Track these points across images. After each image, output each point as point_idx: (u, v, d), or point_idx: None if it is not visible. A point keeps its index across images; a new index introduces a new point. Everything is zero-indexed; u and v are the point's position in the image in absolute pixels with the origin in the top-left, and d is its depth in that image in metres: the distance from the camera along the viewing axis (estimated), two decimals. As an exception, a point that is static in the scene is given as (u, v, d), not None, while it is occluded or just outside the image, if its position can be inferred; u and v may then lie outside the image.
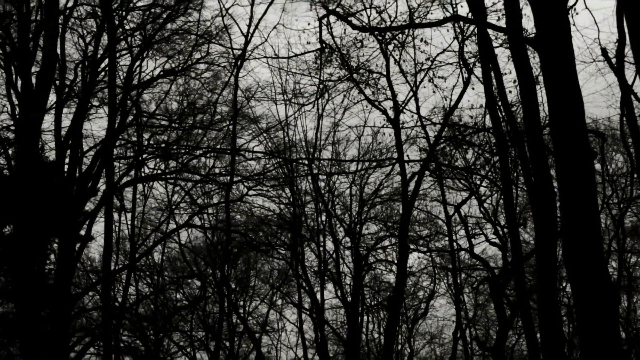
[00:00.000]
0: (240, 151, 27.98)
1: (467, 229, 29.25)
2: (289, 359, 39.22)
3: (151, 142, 27.62)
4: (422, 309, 34.74)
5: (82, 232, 23.86)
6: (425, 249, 32.02)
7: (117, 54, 24.69)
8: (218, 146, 28.31)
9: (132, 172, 27.14)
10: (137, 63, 26.35)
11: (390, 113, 26.30)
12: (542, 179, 13.18)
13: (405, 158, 26.68)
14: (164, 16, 25.94)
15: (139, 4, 25.82)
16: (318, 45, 25.26)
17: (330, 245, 29.85)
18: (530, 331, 16.64)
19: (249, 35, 27.70)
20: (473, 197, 28.83)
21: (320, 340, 28.65)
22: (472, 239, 29.43)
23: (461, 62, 25.06)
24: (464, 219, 29.47)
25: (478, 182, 28.58)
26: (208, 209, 29.94)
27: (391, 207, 32.11)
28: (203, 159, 28.63)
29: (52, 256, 23.23)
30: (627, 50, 18.08)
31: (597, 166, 27.67)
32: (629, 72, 20.02)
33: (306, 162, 28.94)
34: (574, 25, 13.93)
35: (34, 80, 21.92)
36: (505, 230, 27.28)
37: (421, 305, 34.95)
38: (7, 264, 20.79)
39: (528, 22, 20.43)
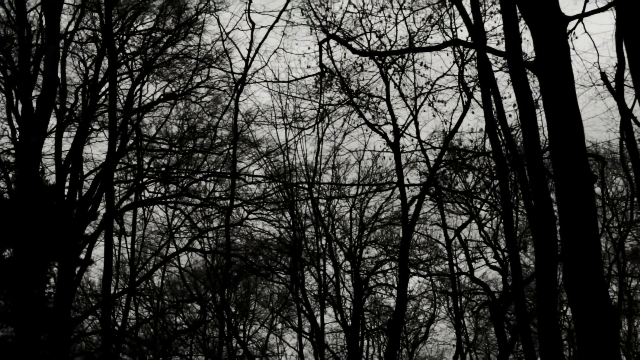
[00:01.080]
0: (240, 175, 27.99)
1: (468, 253, 29.23)
2: (289, 383, 39.06)
3: (151, 165, 27.64)
4: (422, 333, 34.69)
5: (82, 256, 23.84)
6: (425, 273, 31.98)
7: (118, 78, 24.75)
8: (218, 170, 28.33)
9: (132, 196, 27.14)
10: (138, 87, 26.41)
11: (390, 137, 26.32)
12: (542, 202, 13.15)
13: (406, 182, 26.69)
14: (165, 40, 26.04)
15: (140, 27, 25.93)
16: (318, 69, 25.35)
17: (330, 269, 29.85)
18: (531, 355, 16.57)
19: (250, 59, 27.77)
20: (473, 220, 28.81)
21: (321, 365, 28.59)
22: (473, 263, 29.41)
23: (461, 86, 25.10)
24: (464, 243, 29.44)
25: (478, 206, 28.57)
26: (208, 232, 29.93)
27: (391, 230, 32.10)
28: (203, 183, 28.67)
29: (52, 280, 23.20)
30: (627, 74, 18.12)
31: (597, 190, 27.67)
32: (629, 96, 20.06)
33: (306, 186, 28.95)
34: (573, 49, 13.97)
35: (34, 104, 21.96)
36: (505, 254, 27.26)
37: (421, 329, 34.89)
38: (6, 287, 20.75)
39: (527, 46, 20.49)
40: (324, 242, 29.54)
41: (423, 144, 26.75)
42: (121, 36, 25.24)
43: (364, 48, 25.40)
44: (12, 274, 20.17)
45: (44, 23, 22.98)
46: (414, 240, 30.25)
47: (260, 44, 28.13)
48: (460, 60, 24.73)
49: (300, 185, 29.35)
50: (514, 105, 21.59)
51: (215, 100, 28.36)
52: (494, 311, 26.46)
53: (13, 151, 23.38)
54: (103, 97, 24.98)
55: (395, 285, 29.36)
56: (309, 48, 28.87)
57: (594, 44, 18.05)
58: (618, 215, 30.67)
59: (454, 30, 24.68)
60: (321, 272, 29.44)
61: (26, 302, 19.69)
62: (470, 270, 29.16)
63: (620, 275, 30.04)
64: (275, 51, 28.20)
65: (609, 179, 31.15)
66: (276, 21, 27.70)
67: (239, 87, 27.70)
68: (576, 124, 11.92)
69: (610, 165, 29.98)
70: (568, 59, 12.27)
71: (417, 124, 26.74)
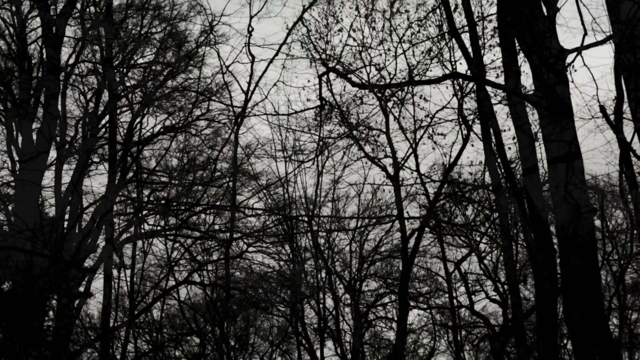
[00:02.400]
0: (240, 208, 27.99)
1: (467, 286, 29.19)
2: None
3: (151, 198, 27.64)
4: (422, 366, 34.54)
5: (81, 289, 23.78)
6: (425, 306, 31.90)
7: (118, 111, 24.80)
8: (218, 202, 28.32)
9: (132, 229, 27.11)
10: (138, 119, 26.46)
11: (390, 170, 26.36)
12: (541, 235, 13.15)
13: (405, 215, 26.71)
14: (165, 73, 26.11)
15: (140, 60, 26.02)
16: (318, 102, 25.45)
17: (330, 302, 29.76)
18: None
19: (250, 92, 27.86)
20: (473, 253, 28.79)
21: (320, 399, 28.45)
22: (473, 296, 29.35)
23: (460, 119, 25.17)
24: (464, 276, 29.41)
25: (478, 239, 28.57)
26: (208, 265, 29.86)
27: (391, 264, 32.05)
28: (203, 216, 28.64)
29: (51, 312, 23.12)
30: (625, 107, 18.17)
31: (597, 222, 27.67)
32: (628, 129, 20.09)
33: (306, 219, 28.94)
34: (572, 82, 14.01)
35: (34, 137, 22.00)
36: (505, 287, 27.22)
37: (422, 363, 34.74)
38: (5, 320, 20.67)
39: (527, 79, 20.55)
40: (323, 275, 29.50)
41: (422, 177, 26.81)
42: (121, 69, 25.32)
43: (364, 81, 25.51)
44: (11, 307, 20.10)
45: (44, 56, 23.06)
46: (413, 273, 30.21)
47: (260, 77, 28.24)
48: (459, 93, 24.81)
49: (300, 218, 29.34)
50: (513, 138, 21.63)
51: (215, 132, 28.42)
52: (494, 345, 26.38)
53: (13, 184, 23.40)
54: (103, 129, 25.03)
55: (395, 319, 29.27)
56: (308, 81, 29.02)
57: (592, 77, 18.07)
58: (618, 248, 30.64)
59: (453, 63, 24.80)
60: (321, 305, 29.36)
61: (25, 335, 19.61)
62: (470, 303, 29.11)
63: (620, 309, 29.97)
64: (275, 84, 28.32)
65: (609, 211, 31.16)
66: (276, 54, 27.85)
67: (239, 120, 27.77)
68: (576, 156, 11.95)
69: (610, 197, 30.01)
70: (567, 91, 12.32)
71: (416, 157, 26.80)
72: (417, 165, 26.74)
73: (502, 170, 18.23)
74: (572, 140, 13.45)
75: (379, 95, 25.90)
